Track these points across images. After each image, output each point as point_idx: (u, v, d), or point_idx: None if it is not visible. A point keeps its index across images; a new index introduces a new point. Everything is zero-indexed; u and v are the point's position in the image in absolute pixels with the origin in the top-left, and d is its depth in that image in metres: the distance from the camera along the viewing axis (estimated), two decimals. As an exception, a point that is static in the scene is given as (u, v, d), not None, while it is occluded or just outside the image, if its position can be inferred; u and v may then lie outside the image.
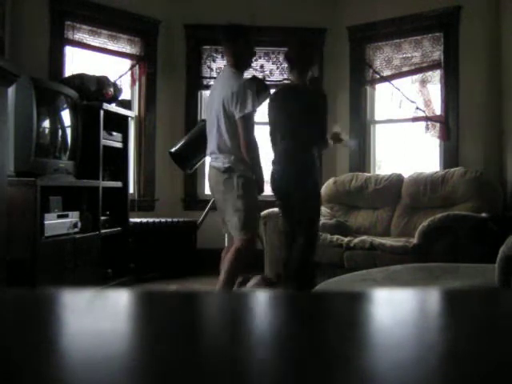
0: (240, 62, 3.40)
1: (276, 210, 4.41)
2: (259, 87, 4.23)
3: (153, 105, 5.41)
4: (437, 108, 5.07)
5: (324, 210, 5.02)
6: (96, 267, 4.18)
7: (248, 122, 3.27)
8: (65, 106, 4.09)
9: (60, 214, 3.80)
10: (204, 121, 4.86)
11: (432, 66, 5.07)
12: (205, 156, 4.81)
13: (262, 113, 4.12)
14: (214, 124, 3.39)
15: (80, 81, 4.30)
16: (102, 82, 4.44)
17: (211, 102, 3.49)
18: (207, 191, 5.52)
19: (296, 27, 5.44)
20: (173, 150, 4.73)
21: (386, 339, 0.39)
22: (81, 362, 0.33)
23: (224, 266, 3.36)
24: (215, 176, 3.43)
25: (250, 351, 0.36)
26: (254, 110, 3.28)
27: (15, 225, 3.44)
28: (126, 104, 4.83)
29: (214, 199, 3.60)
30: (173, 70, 5.49)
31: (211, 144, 3.45)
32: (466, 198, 4.39)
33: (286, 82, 3.84)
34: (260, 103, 4.28)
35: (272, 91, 4.28)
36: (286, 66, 3.95)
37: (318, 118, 3.87)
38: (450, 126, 4.93)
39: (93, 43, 4.97)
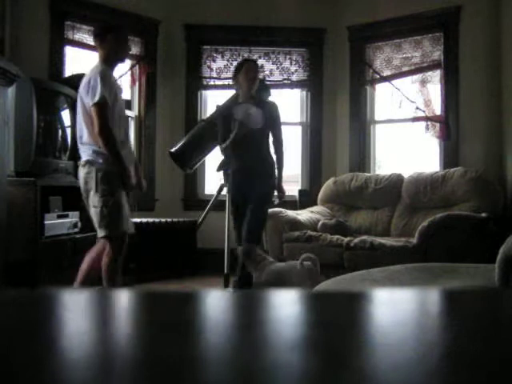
0: (109, 58, 3.26)
1: (276, 209, 4.43)
2: (260, 87, 4.22)
3: (153, 105, 5.41)
4: (437, 108, 5.07)
5: (324, 209, 5.02)
6: (96, 267, 4.17)
7: (102, 110, 3.05)
8: (65, 106, 4.10)
9: (60, 214, 3.81)
10: (204, 121, 4.88)
11: (432, 66, 5.07)
12: (205, 156, 4.83)
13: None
14: (78, 116, 3.24)
15: (80, 81, 4.30)
16: (101, 82, 4.43)
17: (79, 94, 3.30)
18: (207, 191, 5.52)
19: (296, 27, 5.45)
20: (173, 149, 4.73)
21: (386, 339, 0.39)
22: (81, 361, 0.33)
23: (103, 275, 3.17)
24: (79, 170, 3.24)
25: (249, 351, 0.36)
26: (104, 98, 3.04)
27: (15, 225, 3.44)
28: (126, 104, 4.83)
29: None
30: (173, 70, 5.49)
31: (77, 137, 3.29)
32: (466, 198, 4.39)
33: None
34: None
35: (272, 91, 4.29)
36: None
37: None
38: (450, 126, 4.93)
39: (93, 43, 4.96)
